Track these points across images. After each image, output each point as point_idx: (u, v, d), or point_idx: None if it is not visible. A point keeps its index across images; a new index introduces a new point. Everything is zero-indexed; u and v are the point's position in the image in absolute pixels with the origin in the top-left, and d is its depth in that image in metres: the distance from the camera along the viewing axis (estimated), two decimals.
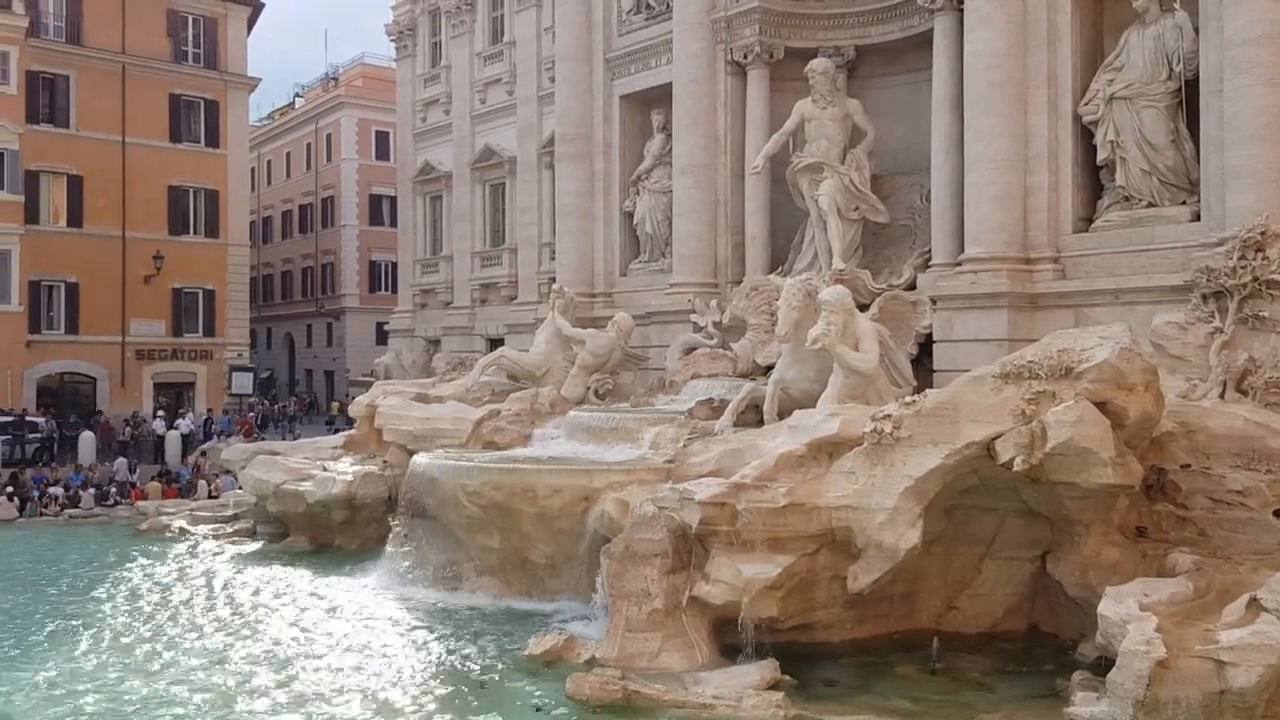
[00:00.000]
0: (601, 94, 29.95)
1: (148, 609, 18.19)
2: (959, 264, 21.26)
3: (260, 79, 49.06)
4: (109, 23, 44.08)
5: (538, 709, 12.72)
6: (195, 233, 46.10)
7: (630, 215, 29.60)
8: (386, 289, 60.46)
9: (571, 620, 16.19)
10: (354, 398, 30.18)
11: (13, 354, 39.46)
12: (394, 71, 44.65)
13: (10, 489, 30.42)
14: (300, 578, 20.47)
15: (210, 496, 31.43)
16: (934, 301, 21.33)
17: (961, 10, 21.58)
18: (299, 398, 63.22)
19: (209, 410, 44.50)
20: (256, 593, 19.28)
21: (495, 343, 32.32)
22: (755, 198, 25.82)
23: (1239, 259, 16.70)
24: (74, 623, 17.22)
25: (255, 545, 24.40)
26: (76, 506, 30.39)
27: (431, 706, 12.92)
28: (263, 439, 36.24)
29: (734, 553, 14.07)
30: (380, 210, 63.35)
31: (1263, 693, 10.57)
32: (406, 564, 19.46)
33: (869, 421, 14.49)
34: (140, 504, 30.39)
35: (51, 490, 30.99)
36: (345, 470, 23.93)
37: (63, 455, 36.83)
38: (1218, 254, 17.17)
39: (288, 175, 70.73)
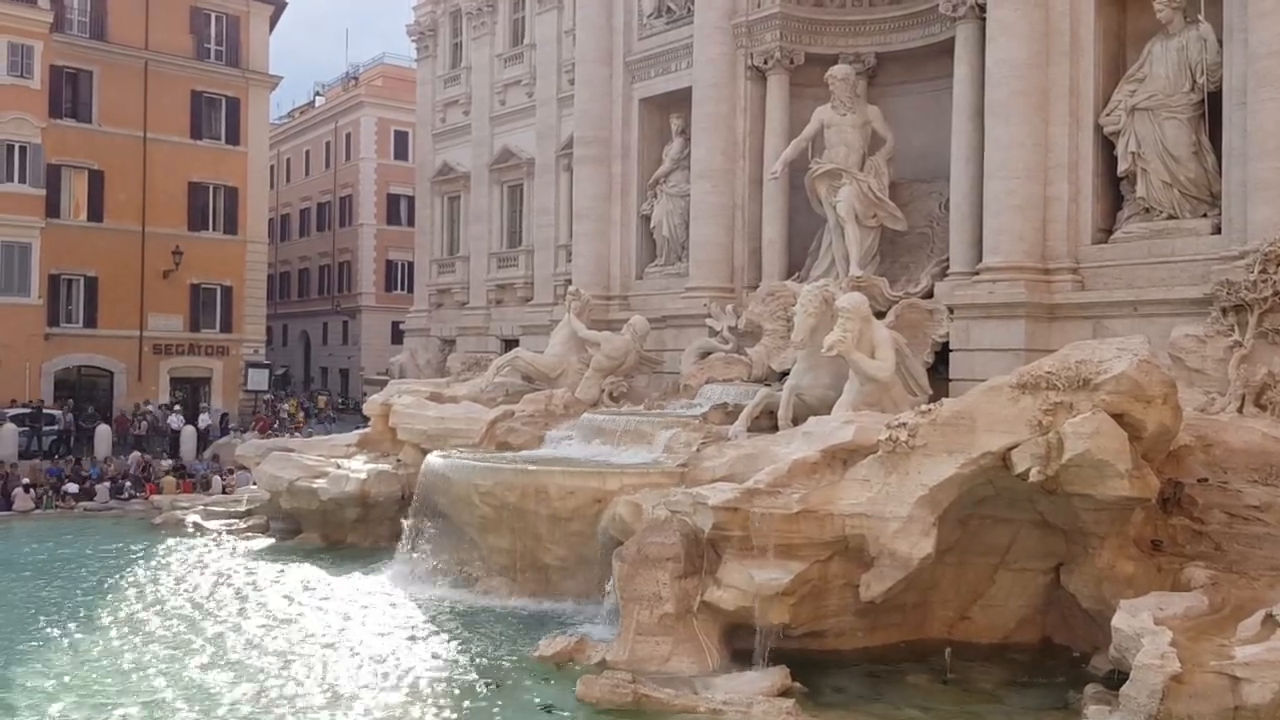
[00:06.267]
0: (621, 97, 29.98)
1: (161, 605, 18.27)
2: (977, 273, 21.19)
3: (281, 77, 49.23)
4: (133, 19, 44.29)
5: (548, 710, 12.72)
6: (214, 229, 46.24)
7: (647, 218, 29.62)
8: (403, 288, 60.57)
9: (582, 622, 16.17)
10: (368, 396, 30.28)
11: (31, 346, 39.64)
12: (414, 72, 44.75)
13: (26, 481, 30.61)
14: (312, 575, 20.52)
15: (224, 492, 31.58)
16: (951, 310, 21.27)
17: (984, 19, 21.53)
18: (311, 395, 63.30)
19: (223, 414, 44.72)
20: (268, 590, 19.34)
21: (510, 344, 32.36)
22: (773, 203, 25.80)
23: (1260, 273, 16.64)
24: (88, 616, 17.33)
25: (268, 541, 24.49)
26: (91, 499, 30.58)
27: (442, 706, 12.93)
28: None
29: (746, 558, 14.05)
30: (398, 210, 63.50)
31: (1277, 710, 10.50)
32: (418, 563, 19.49)
33: (884, 429, 14.46)
34: (154, 498, 30.55)
35: (68, 485, 31.15)
36: (359, 468, 24.00)
37: (79, 448, 37.01)
38: (1238, 267, 17.10)
39: (307, 173, 70.96)
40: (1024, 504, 14.37)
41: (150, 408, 41.68)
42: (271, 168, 61.29)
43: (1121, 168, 20.15)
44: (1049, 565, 14.90)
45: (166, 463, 35.11)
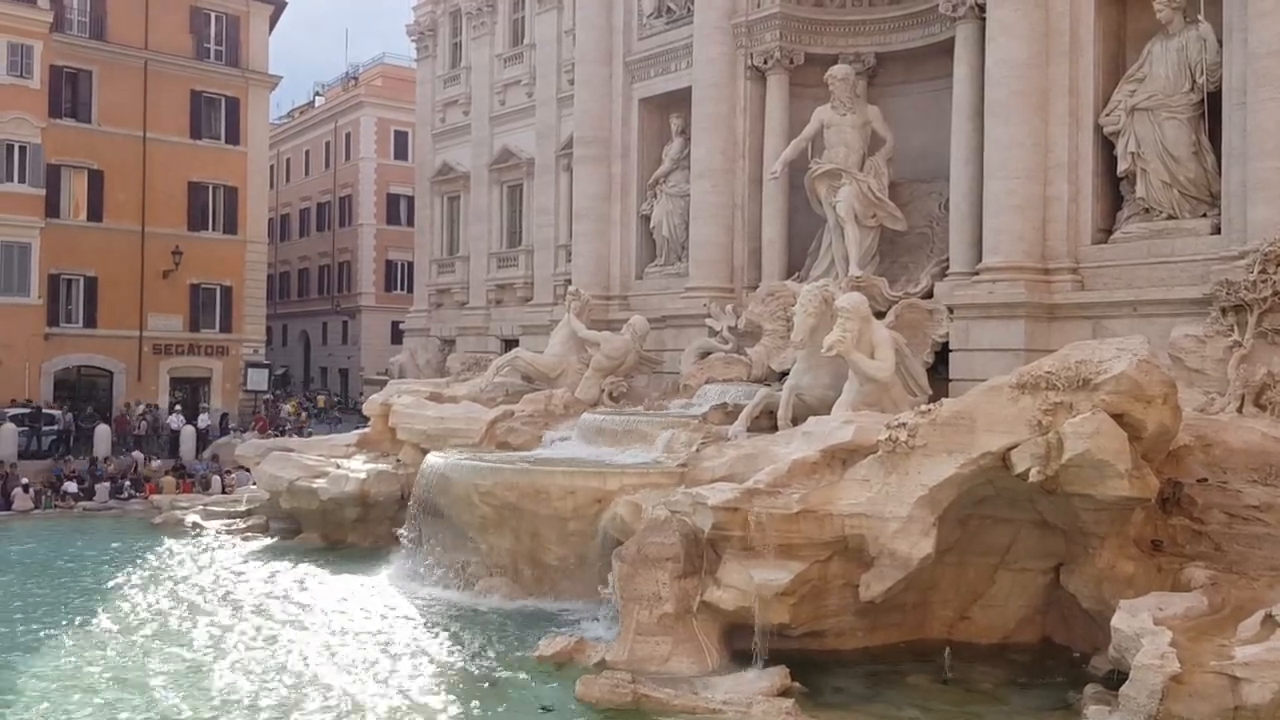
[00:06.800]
0: (620, 97, 29.99)
1: (159, 604, 18.26)
2: (977, 273, 21.20)
3: (281, 77, 49.15)
4: (132, 19, 44.26)
5: (547, 710, 12.72)
6: (214, 229, 46.20)
7: (647, 218, 29.62)
8: (402, 288, 60.57)
9: (582, 622, 16.18)
10: (365, 396, 30.31)
11: (31, 346, 39.61)
12: (414, 72, 44.75)
13: (25, 481, 30.60)
14: (312, 575, 20.51)
15: (224, 492, 31.57)
16: (951, 310, 21.27)
17: (984, 19, 21.53)
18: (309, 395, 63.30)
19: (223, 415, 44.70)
20: (267, 590, 19.33)
21: (510, 344, 32.37)
22: (773, 203, 25.80)
23: (1259, 273, 16.65)
24: (87, 616, 17.32)
25: (268, 541, 24.49)
26: (91, 499, 30.57)
27: (441, 706, 12.93)
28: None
29: (746, 558, 14.05)
30: (397, 210, 63.48)
31: (1277, 710, 10.50)
32: (418, 563, 19.50)
33: (884, 429, 14.45)
34: (154, 498, 30.56)
35: (67, 485, 31.14)
36: (359, 468, 24.01)
37: (79, 448, 37.01)
38: (1238, 267, 17.10)
39: (306, 173, 70.94)
40: (1024, 504, 14.37)
41: (139, 408, 41.57)
42: (271, 168, 61.24)
43: (1121, 168, 20.16)
44: (1049, 565, 14.90)
45: (155, 463, 34.94)
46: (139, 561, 22.00)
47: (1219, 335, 17.07)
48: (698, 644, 14.04)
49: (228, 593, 19.05)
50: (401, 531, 20.34)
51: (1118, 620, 12.03)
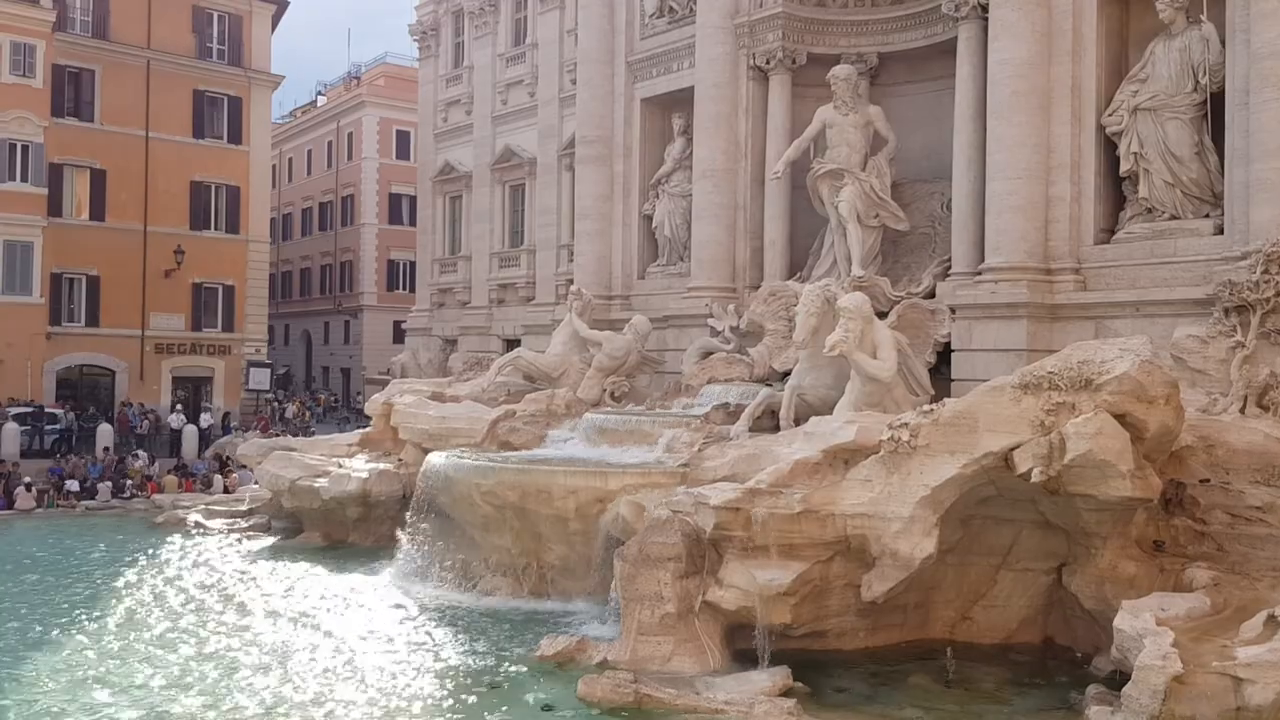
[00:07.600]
0: (623, 97, 29.98)
1: (160, 603, 18.28)
2: (979, 273, 21.17)
3: (283, 76, 49.23)
4: (135, 18, 44.36)
5: (549, 710, 12.71)
6: (216, 228, 46.29)
7: (649, 218, 29.60)
8: (404, 288, 60.62)
9: (584, 622, 16.19)
10: (368, 395, 30.32)
11: (33, 346, 39.68)
12: (416, 71, 44.79)
13: (28, 480, 30.60)
14: (313, 574, 20.54)
15: (226, 491, 31.58)
16: (953, 310, 21.25)
17: (986, 19, 21.50)
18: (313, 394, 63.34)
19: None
20: (268, 589, 19.35)
21: (512, 343, 32.37)
22: (775, 203, 25.78)
23: (1262, 273, 16.62)
24: (88, 615, 17.34)
25: (270, 540, 24.50)
26: (93, 498, 30.58)
27: (442, 706, 12.93)
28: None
29: (748, 558, 14.06)
30: (400, 209, 63.55)
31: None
32: (420, 562, 19.52)
33: (886, 429, 14.45)
34: (156, 497, 30.57)
35: (69, 483, 31.14)
36: (360, 467, 24.03)
37: (81, 447, 37.03)
38: (1240, 268, 17.08)
39: (309, 173, 71.00)
40: (1026, 504, 14.36)
41: (128, 410, 41.55)
42: (273, 167, 61.35)
43: (1124, 168, 20.13)
44: (1051, 565, 14.89)
45: (139, 461, 34.83)
46: (141, 561, 22.01)
47: (1222, 336, 17.05)
48: (700, 644, 14.05)
49: (228, 592, 19.05)
50: (403, 531, 20.35)
51: (1120, 621, 12.03)
